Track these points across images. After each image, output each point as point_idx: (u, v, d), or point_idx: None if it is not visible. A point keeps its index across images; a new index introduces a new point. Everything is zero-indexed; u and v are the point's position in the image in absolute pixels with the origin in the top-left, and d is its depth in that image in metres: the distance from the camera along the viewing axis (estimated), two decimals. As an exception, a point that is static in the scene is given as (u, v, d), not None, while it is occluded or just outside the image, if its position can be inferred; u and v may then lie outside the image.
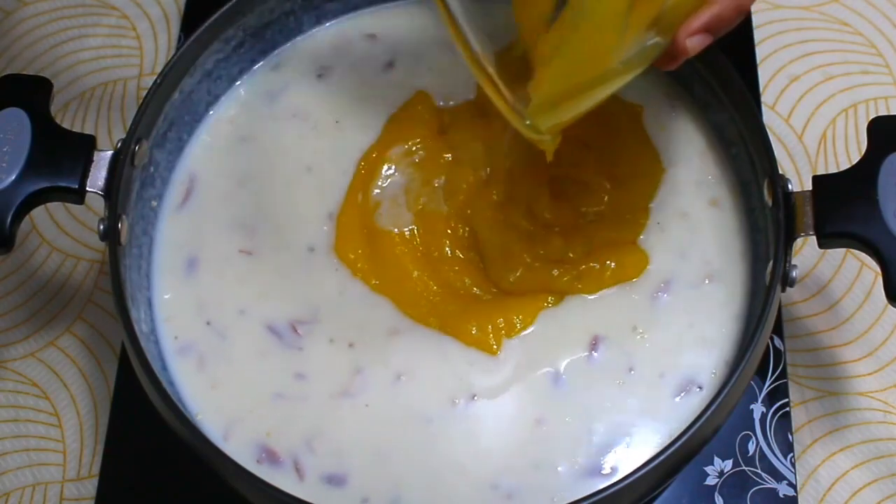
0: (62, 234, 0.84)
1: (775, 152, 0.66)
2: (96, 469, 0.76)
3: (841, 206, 0.64)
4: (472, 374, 0.67)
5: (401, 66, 0.77)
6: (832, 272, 0.80)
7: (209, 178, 0.74)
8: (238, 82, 0.77)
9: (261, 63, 0.78)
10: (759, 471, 0.73)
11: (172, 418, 0.62)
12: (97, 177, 0.67)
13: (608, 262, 0.69)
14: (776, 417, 0.74)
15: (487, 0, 0.57)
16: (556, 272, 0.68)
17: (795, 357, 0.77)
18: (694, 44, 0.58)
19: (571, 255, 0.69)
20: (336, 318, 0.69)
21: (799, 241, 0.65)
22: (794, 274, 0.64)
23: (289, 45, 0.78)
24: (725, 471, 0.73)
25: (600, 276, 0.68)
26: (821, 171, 0.83)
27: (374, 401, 0.66)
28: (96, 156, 0.68)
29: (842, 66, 0.87)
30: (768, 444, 0.73)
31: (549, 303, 0.68)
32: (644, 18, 0.57)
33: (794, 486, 0.72)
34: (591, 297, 0.68)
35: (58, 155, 0.67)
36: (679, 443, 0.59)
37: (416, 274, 0.69)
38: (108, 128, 0.88)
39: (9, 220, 0.66)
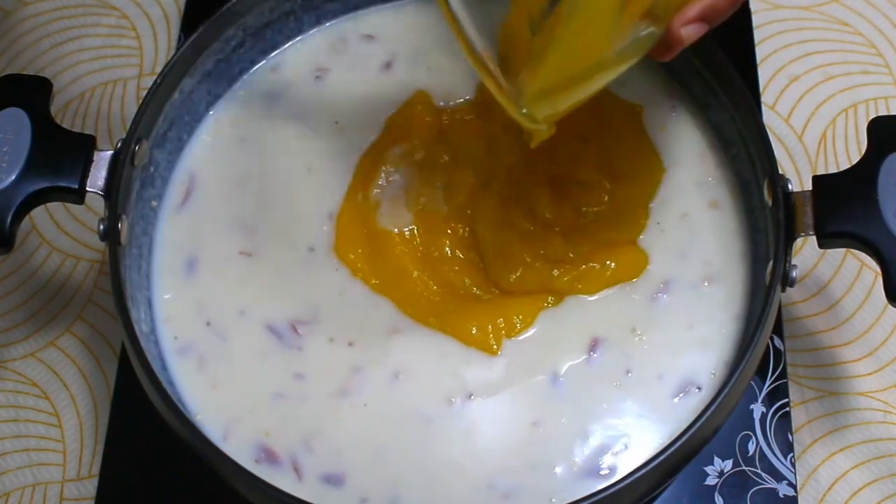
0: (62, 234, 0.84)
1: (775, 152, 0.66)
2: (96, 469, 0.76)
3: (841, 206, 0.64)
4: (470, 373, 0.67)
5: (399, 66, 0.77)
6: (832, 272, 0.80)
7: (209, 178, 0.74)
8: (238, 82, 0.77)
9: (261, 63, 0.78)
10: (759, 471, 0.73)
11: (172, 418, 0.62)
12: (97, 177, 0.67)
13: (608, 262, 0.69)
14: (776, 417, 0.74)
15: None
16: (556, 272, 0.68)
17: (795, 357, 0.77)
18: (689, 33, 0.58)
19: (571, 255, 0.69)
20: (336, 318, 0.69)
21: (799, 241, 0.65)
22: (794, 274, 0.64)
23: (288, 45, 0.78)
24: (725, 471, 0.73)
25: (600, 276, 0.68)
26: (821, 171, 0.83)
27: (372, 400, 0.66)
28: (96, 156, 0.68)
29: (842, 66, 0.87)
30: (768, 444, 0.73)
31: (548, 303, 0.68)
32: (638, 9, 0.56)
33: (794, 486, 0.72)
34: (591, 297, 0.68)
35: (58, 155, 0.67)
36: (679, 443, 0.59)
37: (416, 274, 0.69)
38: (108, 128, 0.88)
39: (9, 220, 0.66)
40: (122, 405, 0.77)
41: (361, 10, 0.79)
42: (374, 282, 0.70)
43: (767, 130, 0.67)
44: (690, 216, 0.71)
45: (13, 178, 0.66)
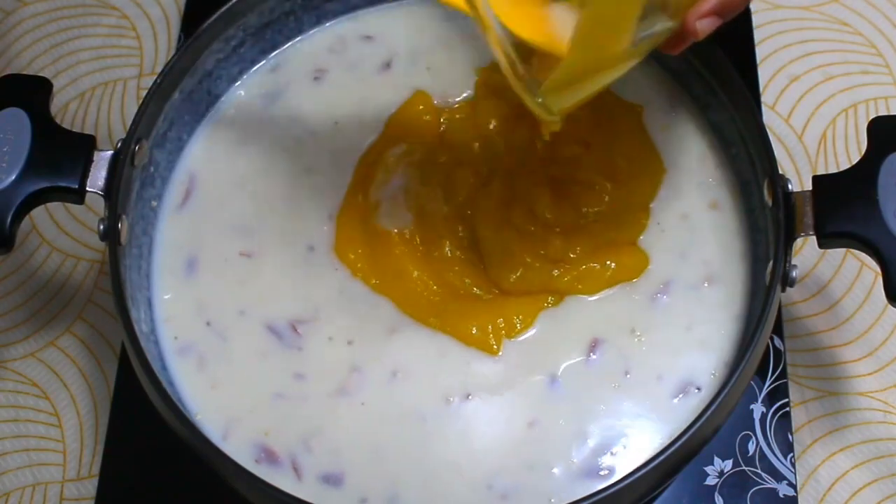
0: (62, 234, 0.84)
1: (775, 152, 0.66)
2: (96, 469, 0.76)
3: (841, 206, 0.64)
4: (469, 373, 0.67)
5: (398, 66, 0.77)
6: (832, 272, 0.80)
7: (209, 179, 0.74)
8: (238, 83, 0.77)
9: (260, 63, 0.78)
10: (759, 471, 0.73)
11: (172, 418, 0.62)
12: (97, 177, 0.67)
13: (608, 263, 0.69)
14: (776, 417, 0.74)
15: None
16: (556, 272, 0.68)
17: (795, 357, 0.77)
18: (703, 26, 0.59)
19: (572, 255, 0.69)
20: (336, 318, 0.69)
21: (799, 241, 0.65)
22: (794, 274, 0.64)
23: (287, 45, 0.78)
24: (725, 471, 0.73)
25: (600, 276, 0.68)
26: (821, 171, 0.83)
27: (371, 399, 0.66)
28: (96, 156, 0.68)
29: (842, 66, 0.87)
30: (768, 444, 0.73)
31: (548, 303, 0.68)
32: (656, 4, 0.57)
33: (794, 486, 0.72)
34: (591, 297, 0.68)
35: (58, 155, 0.67)
36: (679, 443, 0.59)
37: (416, 274, 0.69)
38: (108, 128, 0.88)
39: (9, 220, 0.66)
40: (122, 405, 0.77)
41: (361, 11, 0.79)
42: (373, 282, 0.70)
43: (767, 130, 0.67)
44: (690, 216, 0.71)
45: (13, 178, 0.66)
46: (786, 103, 0.86)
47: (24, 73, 0.89)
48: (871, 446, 0.74)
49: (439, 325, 0.68)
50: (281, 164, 0.74)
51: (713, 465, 0.73)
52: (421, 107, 0.74)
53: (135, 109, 0.71)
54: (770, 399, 0.75)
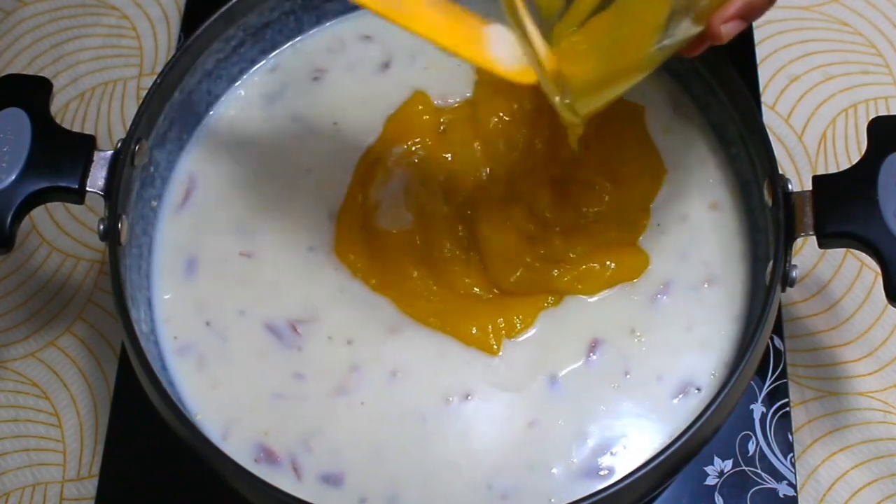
0: (62, 234, 0.84)
1: (775, 152, 0.66)
2: (96, 469, 0.76)
3: (841, 206, 0.64)
4: (468, 373, 0.67)
5: (397, 66, 0.77)
6: (832, 272, 0.80)
7: (209, 179, 0.74)
8: (238, 82, 0.77)
9: (260, 63, 0.78)
10: (759, 471, 0.73)
11: (172, 418, 0.62)
12: (97, 177, 0.67)
13: (608, 263, 0.69)
14: (776, 417, 0.74)
15: None
16: (556, 272, 0.68)
17: (795, 357, 0.77)
18: (728, 29, 0.59)
19: (572, 255, 0.69)
20: (336, 318, 0.69)
21: (799, 241, 0.65)
22: (794, 274, 0.64)
23: (287, 45, 0.78)
24: (725, 471, 0.73)
25: (600, 276, 0.68)
26: (821, 171, 0.83)
27: (370, 399, 0.66)
28: (96, 156, 0.68)
29: (842, 66, 0.87)
30: (768, 444, 0.73)
31: (548, 303, 0.68)
32: (683, 10, 0.58)
33: (794, 486, 0.72)
34: (591, 298, 0.68)
35: (58, 155, 0.67)
36: (679, 443, 0.59)
37: (416, 274, 0.69)
38: (108, 128, 0.88)
39: (9, 220, 0.66)
40: (122, 405, 0.77)
41: (361, 11, 0.79)
42: (373, 282, 0.70)
43: (767, 130, 0.67)
44: (690, 217, 0.71)
45: (13, 178, 0.66)
46: (786, 103, 0.86)
47: (24, 73, 0.89)
48: (871, 446, 0.74)
49: (439, 325, 0.68)
50: (281, 164, 0.74)
51: (713, 465, 0.73)
52: (420, 107, 0.74)
53: (135, 109, 0.71)
54: (770, 399, 0.75)
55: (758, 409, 0.74)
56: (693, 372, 0.66)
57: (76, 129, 0.85)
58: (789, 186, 0.65)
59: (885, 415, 0.75)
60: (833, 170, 0.83)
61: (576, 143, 0.64)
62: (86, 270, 0.83)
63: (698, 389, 0.66)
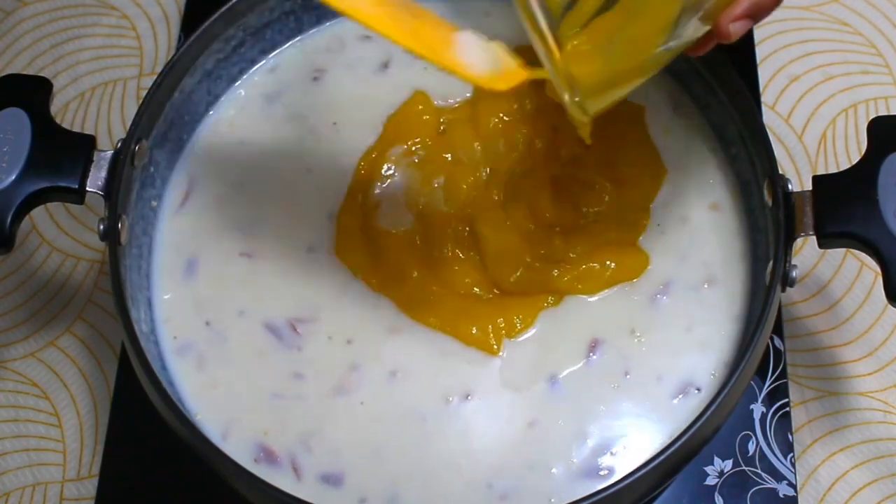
0: (62, 234, 0.84)
1: (775, 152, 0.66)
2: (96, 469, 0.76)
3: (841, 206, 0.64)
4: (468, 373, 0.67)
5: (397, 66, 0.77)
6: (832, 272, 0.80)
7: (209, 179, 0.74)
8: (238, 82, 0.77)
9: (260, 63, 0.78)
10: (759, 471, 0.73)
11: (172, 418, 0.62)
12: (97, 177, 0.67)
13: (608, 263, 0.69)
14: (776, 417, 0.74)
15: None
16: (556, 272, 0.68)
17: (795, 357, 0.77)
18: (736, 29, 0.59)
19: (572, 255, 0.69)
20: (336, 318, 0.69)
21: (799, 241, 0.65)
22: (794, 274, 0.64)
23: (287, 45, 0.78)
24: (725, 471, 0.73)
25: (600, 276, 0.68)
26: (821, 171, 0.83)
27: (369, 398, 0.66)
28: (96, 156, 0.68)
29: (842, 66, 0.87)
30: (768, 444, 0.73)
31: (548, 303, 0.68)
32: (692, 9, 0.58)
33: (794, 486, 0.72)
34: (591, 298, 0.68)
35: (58, 155, 0.67)
36: (678, 443, 0.59)
37: (416, 274, 0.69)
38: (108, 128, 0.88)
39: (9, 220, 0.66)
40: (122, 405, 0.77)
41: (361, 11, 0.79)
42: (373, 282, 0.70)
43: (767, 130, 0.67)
44: (690, 217, 0.71)
45: (13, 178, 0.66)
46: (786, 103, 0.86)
47: (24, 73, 0.89)
48: (871, 446, 0.74)
49: (439, 325, 0.68)
50: (281, 164, 0.74)
51: (713, 465, 0.73)
52: (420, 107, 0.74)
53: (135, 109, 0.71)
54: (770, 399, 0.75)
55: (758, 409, 0.74)
56: (693, 372, 0.66)
57: (76, 129, 0.85)
58: (789, 186, 0.65)
59: (885, 415, 0.75)
60: (833, 170, 0.83)
61: (588, 136, 0.64)
62: (86, 270, 0.83)
63: (698, 389, 0.66)
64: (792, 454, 0.73)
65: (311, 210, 0.72)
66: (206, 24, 0.73)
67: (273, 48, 0.78)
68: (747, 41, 0.87)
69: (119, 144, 0.68)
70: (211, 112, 0.76)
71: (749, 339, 0.62)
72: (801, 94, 0.87)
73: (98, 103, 0.89)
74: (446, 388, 0.66)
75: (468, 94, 0.75)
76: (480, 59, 0.58)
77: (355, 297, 0.69)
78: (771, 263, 0.64)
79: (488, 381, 0.66)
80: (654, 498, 0.71)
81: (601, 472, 0.64)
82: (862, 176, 0.64)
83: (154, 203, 0.73)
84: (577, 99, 0.59)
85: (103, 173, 0.67)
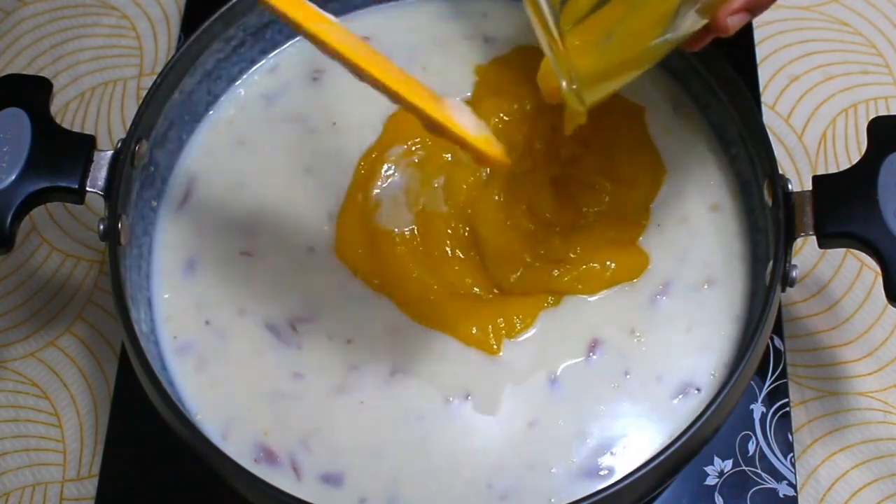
0: (62, 234, 0.84)
1: (775, 152, 0.66)
2: (96, 469, 0.76)
3: (841, 206, 0.64)
4: (468, 373, 0.67)
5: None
6: (832, 272, 0.80)
7: (209, 179, 0.74)
8: (238, 82, 0.77)
9: (260, 63, 0.78)
10: (759, 471, 0.73)
11: (172, 418, 0.62)
12: (97, 177, 0.67)
13: (608, 263, 0.69)
14: (776, 417, 0.74)
15: None
16: (556, 272, 0.68)
17: (795, 357, 0.77)
18: (734, 22, 0.60)
19: (572, 255, 0.69)
20: (336, 318, 0.69)
21: (799, 241, 0.65)
22: (794, 274, 0.64)
23: (287, 45, 0.78)
24: (725, 471, 0.73)
25: (600, 276, 0.68)
26: (821, 171, 0.83)
27: (369, 398, 0.66)
28: (96, 156, 0.68)
29: (842, 66, 0.87)
30: (768, 444, 0.73)
31: (548, 303, 0.68)
32: (691, 1, 0.58)
33: (794, 486, 0.72)
34: (591, 298, 0.68)
35: (58, 155, 0.67)
36: (678, 443, 0.59)
37: (416, 274, 0.69)
38: (108, 128, 0.88)
39: (9, 220, 0.66)
40: (122, 405, 0.77)
41: (360, 11, 0.79)
42: (374, 282, 0.70)
43: (767, 130, 0.67)
44: (690, 217, 0.71)
45: (13, 178, 0.66)
46: (786, 103, 0.86)
47: (24, 73, 0.89)
48: (871, 446, 0.74)
49: (439, 325, 0.68)
50: (281, 164, 0.74)
51: (713, 465, 0.73)
52: (421, 107, 0.74)
53: (135, 109, 0.71)
54: (770, 399, 0.75)
55: (758, 409, 0.74)
56: (693, 372, 0.66)
57: (76, 129, 0.85)
58: (789, 186, 0.65)
59: (885, 415, 0.75)
60: (833, 170, 0.83)
61: (571, 129, 0.64)
62: (86, 270, 0.83)
63: (698, 390, 0.66)
64: (792, 454, 0.73)
65: (311, 210, 0.72)
66: (206, 24, 0.73)
67: (273, 48, 0.78)
68: (747, 41, 0.87)
69: (119, 144, 0.68)
70: (211, 112, 0.76)
71: (749, 340, 0.62)
72: (801, 94, 0.87)
73: (98, 103, 0.89)
74: (446, 388, 0.66)
75: (468, 95, 0.75)
76: (472, 123, 0.60)
77: (355, 297, 0.69)
78: (771, 263, 0.64)
79: (488, 381, 0.66)
80: (654, 498, 0.71)
81: (601, 472, 0.64)
82: (862, 176, 0.64)
83: (154, 203, 0.73)
84: (574, 87, 0.59)
85: (103, 173, 0.67)
